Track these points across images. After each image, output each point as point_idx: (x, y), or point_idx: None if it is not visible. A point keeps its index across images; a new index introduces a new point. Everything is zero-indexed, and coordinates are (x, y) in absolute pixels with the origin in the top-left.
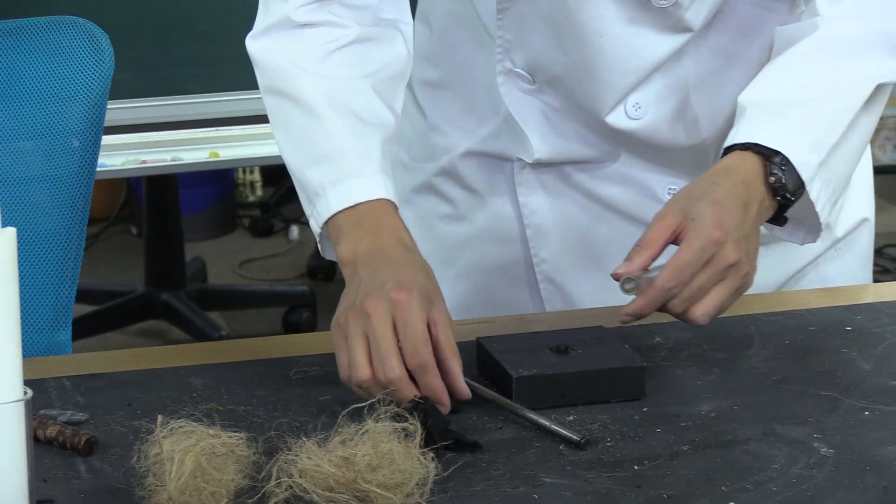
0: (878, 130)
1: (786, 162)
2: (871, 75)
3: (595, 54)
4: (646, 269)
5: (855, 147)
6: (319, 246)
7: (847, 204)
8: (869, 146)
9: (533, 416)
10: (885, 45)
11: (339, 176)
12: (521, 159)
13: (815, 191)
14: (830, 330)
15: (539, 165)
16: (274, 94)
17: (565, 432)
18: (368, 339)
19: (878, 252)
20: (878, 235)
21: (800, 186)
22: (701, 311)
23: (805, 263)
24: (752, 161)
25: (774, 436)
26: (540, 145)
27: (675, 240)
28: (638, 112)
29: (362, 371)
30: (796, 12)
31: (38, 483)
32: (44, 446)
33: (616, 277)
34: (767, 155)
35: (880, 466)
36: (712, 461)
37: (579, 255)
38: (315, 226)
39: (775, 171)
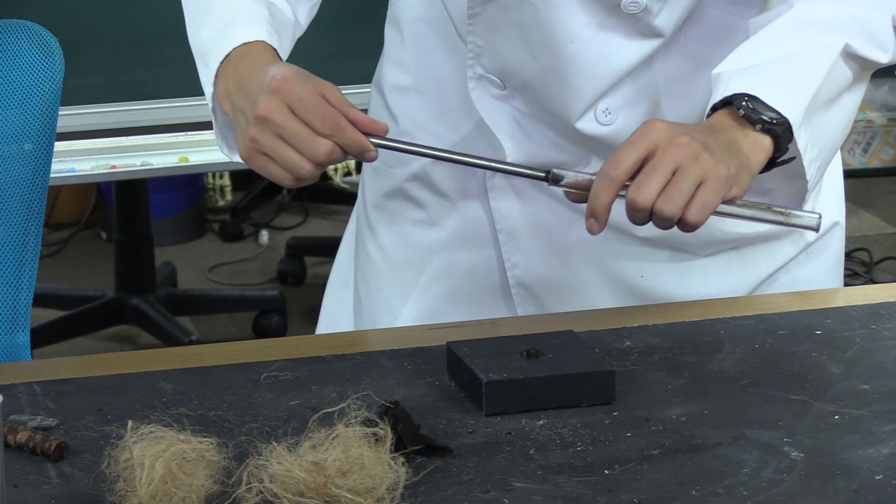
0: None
1: (750, 98)
2: (840, 41)
3: (565, 60)
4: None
5: (838, 121)
6: (214, 123)
7: (818, 208)
8: (839, 150)
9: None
10: (857, 26)
11: (223, 28)
12: None
13: (803, 141)
14: (800, 334)
15: None
16: None
17: (529, 171)
18: (283, 138)
19: (848, 256)
20: (847, 239)
21: (780, 119)
22: (665, 203)
23: (776, 267)
24: (721, 112)
25: (745, 440)
26: (512, 150)
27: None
28: (608, 117)
29: (301, 166)
30: None
31: (9, 489)
32: (14, 452)
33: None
34: (736, 102)
35: (850, 470)
36: (683, 465)
37: (551, 260)
38: (207, 85)
39: (743, 104)
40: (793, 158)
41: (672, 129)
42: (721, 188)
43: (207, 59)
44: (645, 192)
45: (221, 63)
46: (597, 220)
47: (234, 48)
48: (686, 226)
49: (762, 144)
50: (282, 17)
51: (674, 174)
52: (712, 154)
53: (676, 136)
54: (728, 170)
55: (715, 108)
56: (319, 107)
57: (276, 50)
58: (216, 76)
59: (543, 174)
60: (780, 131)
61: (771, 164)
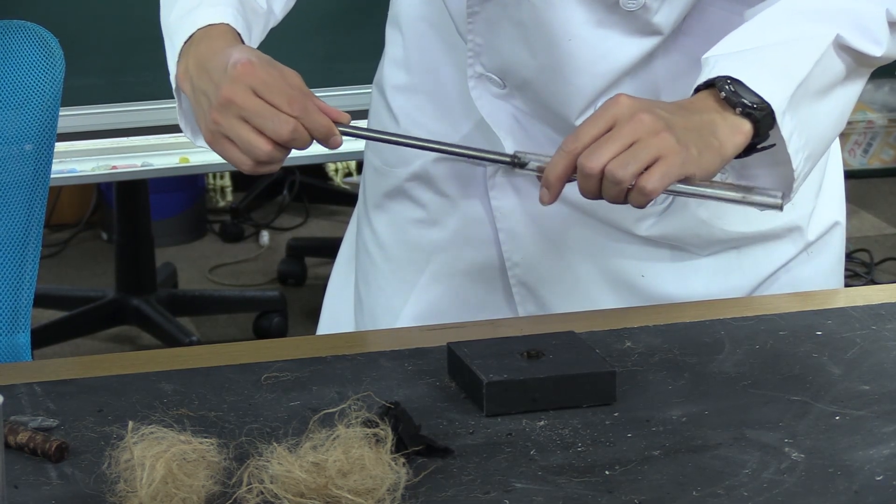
0: (847, 135)
1: (733, 81)
2: (831, 31)
3: (564, 58)
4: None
5: (830, 113)
6: (177, 104)
7: (819, 208)
8: (840, 151)
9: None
10: (849, 17)
11: (191, 10)
12: None
13: (788, 129)
14: (801, 334)
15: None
16: None
17: (494, 156)
18: (245, 119)
19: (848, 257)
20: (848, 240)
21: (761, 104)
22: (616, 167)
23: (777, 267)
24: (704, 93)
25: (745, 441)
26: (513, 149)
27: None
28: None
29: (260, 147)
30: None
31: (9, 489)
32: (14, 452)
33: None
34: (719, 84)
35: (851, 471)
36: (683, 466)
37: (552, 259)
38: (171, 65)
39: (725, 87)
40: (773, 145)
41: (636, 105)
42: (679, 166)
43: (173, 38)
44: (596, 157)
45: (185, 43)
46: (548, 191)
47: (198, 29)
48: (640, 195)
49: (741, 128)
50: (253, 4)
51: (631, 146)
52: (674, 133)
53: (639, 112)
54: (688, 151)
55: (699, 90)
56: (285, 89)
57: (239, 34)
58: (179, 56)
59: (508, 158)
60: (760, 116)
61: (751, 149)
